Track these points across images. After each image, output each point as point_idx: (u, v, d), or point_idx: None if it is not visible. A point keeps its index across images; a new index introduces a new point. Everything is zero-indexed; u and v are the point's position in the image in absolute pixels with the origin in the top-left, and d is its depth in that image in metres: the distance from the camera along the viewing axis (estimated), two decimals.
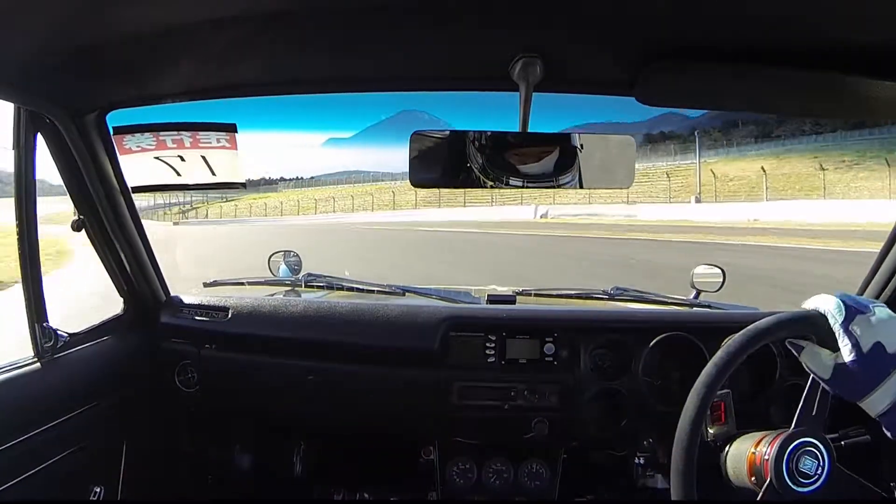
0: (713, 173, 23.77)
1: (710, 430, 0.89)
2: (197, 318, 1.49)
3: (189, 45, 0.90)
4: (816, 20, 0.76)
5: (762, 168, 22.29)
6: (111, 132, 1.20)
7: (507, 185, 0.93)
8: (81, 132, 1.14)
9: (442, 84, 1.07)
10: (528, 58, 0.89)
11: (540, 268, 8.81)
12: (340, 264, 4.78)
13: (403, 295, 1.64)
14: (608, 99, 1.08)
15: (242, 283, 1.73)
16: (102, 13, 0.77)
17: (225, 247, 13.29)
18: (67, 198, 1.24)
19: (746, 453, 0.81)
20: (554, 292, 1.72)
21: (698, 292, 1.62)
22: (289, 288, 1.73)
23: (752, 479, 0.80)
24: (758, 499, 0.76)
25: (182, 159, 1.21)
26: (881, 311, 0.73)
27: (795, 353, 0.78)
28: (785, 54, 0.82)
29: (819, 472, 0.76)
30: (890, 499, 0.77)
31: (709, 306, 1.57)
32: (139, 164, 1.22)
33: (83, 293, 4.30)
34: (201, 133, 1.20)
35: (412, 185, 0.95)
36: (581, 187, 0.96)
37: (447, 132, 0.94)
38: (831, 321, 0.72)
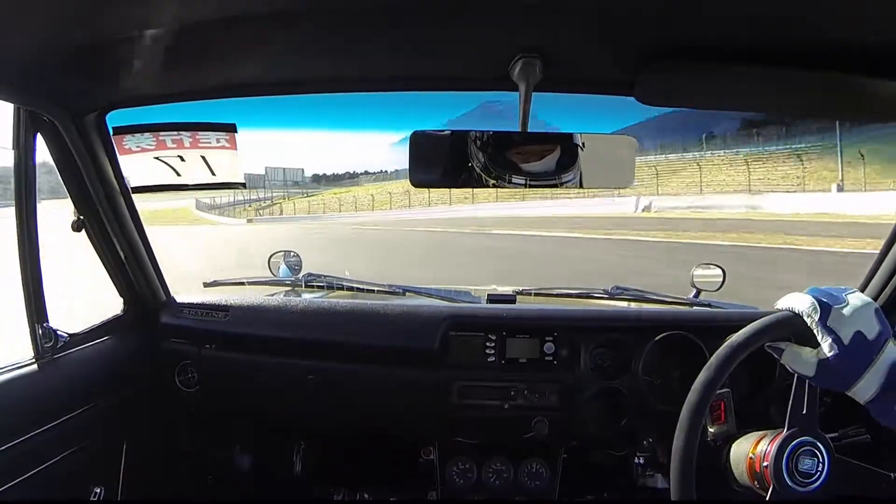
0: (861, 155, 16.95)
1: (711, 430, 0.89)
2: (197, 318, 1.49)
3: (189, 45, 0.89)
4: (816, 20, 0.76)
5: None
6: (111, 132, 1.20)
7: (510, 183, 0.93)
8: (81, 132, 1.14)
9: (442, 84, 1.07)
10: (528, 58, 0.89)
11: None
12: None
13: (403, 294, 1.64)
14: None
15: (242, 283, 1.73)
16: (102, 13, 0.77)
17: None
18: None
19: (746, 454, 0.82)
20: (554, 292, 1.72)
21: (698, 291, 1.63)
22: (289, 288, 1.73)
23: (754, 481, 0.80)
24: (765, 501, 0.76)
25: (182, 159, 1.21)
26: (854, 299, 0.73)
27: (776, 357, 0.77)
28: (785, 54, 0.82)
29: (819, 470, 0.76)
30: (891, 497, 0.77)
31: (709, 305, 1.57)
32: (139, 165, 1.22)
33: None
34: (201, 133, 1.20)
35: (412, 185, 0.95)
36: (581, 186, 0.96)
37: (448, 132, 0.94)
38: (808, 321, 0.73)
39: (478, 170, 0.92)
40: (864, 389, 0.71)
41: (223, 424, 1.64)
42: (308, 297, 1.64)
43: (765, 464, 0.77)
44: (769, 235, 10.78)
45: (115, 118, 1.19)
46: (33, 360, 1.13)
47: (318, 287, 1.72)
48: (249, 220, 25.57)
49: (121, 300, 1.43)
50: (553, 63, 0.90)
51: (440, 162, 0.94)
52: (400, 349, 1.43)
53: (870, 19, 0.75)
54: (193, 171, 1.22)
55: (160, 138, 1.19)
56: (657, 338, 1.36)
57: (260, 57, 0.98)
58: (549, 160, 0.94)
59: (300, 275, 1.75)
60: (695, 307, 1.58)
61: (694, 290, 1.63)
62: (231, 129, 1.21)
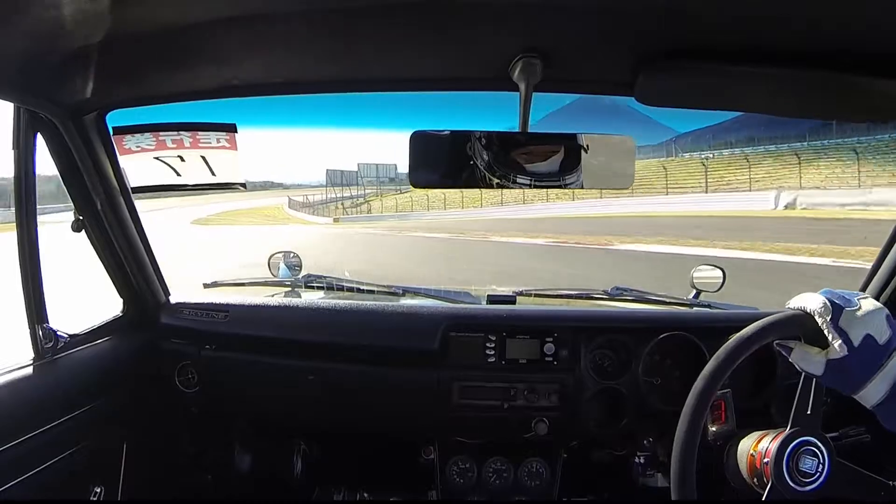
0: None
1: (711, 429, 0.89)
2: (197, 318, 1.49)
3: (189, 45, 0.90)
4: (816, 20, 0.76)
5: None
6: (111, 132, 1.20)
7: (515, 183, 0.93)
8: (81, 132, 1.14)
9: (442, 84, 1.07)
10: (528, 58, 0.89)
11: None
12: None
13: (403, 295, 1.64)
14: None
15: (242, 284, 1.73)
16: (102, 13, 0.77)
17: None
18: None
19: (747, 453, 0.82)
20: (554, 292, 1.72)
21: (698, 292, 1.63)
22: (289, 288, 1.73)
23: (754, 479, 0.80)
24: (762, 500, 0.76)
25: (182, 159, 1.21)
26: (867, 304, 0.73)
27: (785, 354, 0.77)
28: (785, 54, 0.82)
29: (819, 470, 0.76)
30: (891, 496, 0.77)
31: (709, 306, 1.57)
32: (139, 165, 1.22)
33: None
34: (201, 133, 1.20)
35: (412, 185, 0.95)
36: (583, 188, 0.96)
37: (448, 132, 0.94)
38: (819, 320, 0.72)
39: (481, 169, 0.92)
40: (872, 394, 0.70)
41: (223, 424, 1.64)
42: (308, 298, 1.64)
43: (766, 461, 0.77)
44: None
45: (115, 118, 1.19)
46: (33, 361, 1.13)
47: (318, 288, 1.73)
48: (336, 220, 23.72)
49: (120, 300, 1.43)
50: (553, 63, 0.90)
51: (441, 162, 0.94)
52: (400, 350, 1.43)
53: (869, 19, 0.75)
54: (193, 172, 1.22)
55: (160, 138, 1.19)
56: (657, 338, 1.36)
57: (259, 57, 0.98)
58: (553, 161, 0.94)
59: (300, 275, 1.75)
60: (695, 308, 1.58)
61: (694, 291, 1.63)
62: (231, 129, 1.21)
